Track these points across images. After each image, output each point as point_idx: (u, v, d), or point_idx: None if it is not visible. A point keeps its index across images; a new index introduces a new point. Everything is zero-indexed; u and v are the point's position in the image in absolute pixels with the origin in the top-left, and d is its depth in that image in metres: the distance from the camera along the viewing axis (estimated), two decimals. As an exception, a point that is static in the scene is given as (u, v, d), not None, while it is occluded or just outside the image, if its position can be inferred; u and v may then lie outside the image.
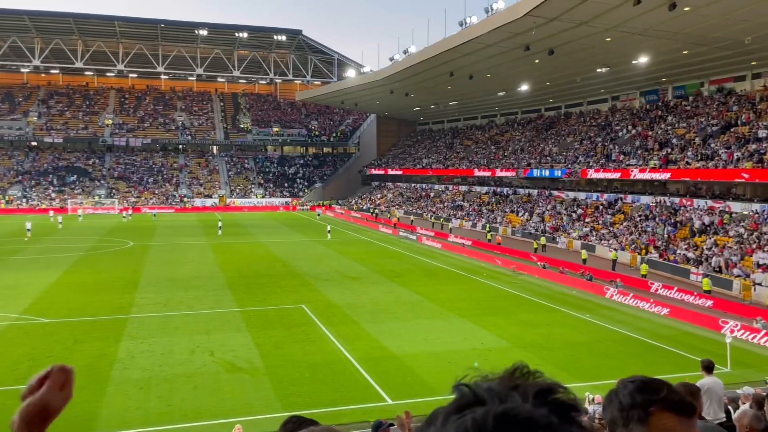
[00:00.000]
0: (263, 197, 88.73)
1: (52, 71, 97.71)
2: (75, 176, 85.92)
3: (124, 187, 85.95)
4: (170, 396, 16.88)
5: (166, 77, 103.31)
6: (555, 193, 55.08)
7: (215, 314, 25.98)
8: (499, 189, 64.19)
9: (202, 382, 17.87)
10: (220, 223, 57.11)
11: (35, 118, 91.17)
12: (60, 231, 55.42)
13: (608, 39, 38.17)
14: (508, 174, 60.81)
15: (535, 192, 58.03)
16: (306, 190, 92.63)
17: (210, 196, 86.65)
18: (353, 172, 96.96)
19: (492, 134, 73.89)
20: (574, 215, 48.77)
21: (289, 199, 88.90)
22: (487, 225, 54.30)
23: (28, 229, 47.02)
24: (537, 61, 45.70)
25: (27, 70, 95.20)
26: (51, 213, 67.13)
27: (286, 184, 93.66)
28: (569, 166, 51.77)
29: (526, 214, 53.76)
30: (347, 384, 17.94)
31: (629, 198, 46.43)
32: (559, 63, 45.71)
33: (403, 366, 19.53)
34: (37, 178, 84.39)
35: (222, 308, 27.13)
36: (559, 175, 52.46)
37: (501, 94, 62.98)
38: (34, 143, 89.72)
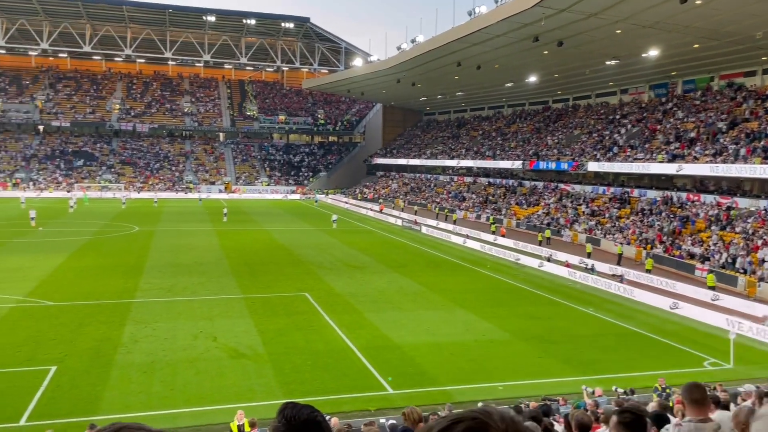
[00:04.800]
0: (268, 185, 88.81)
1: (60, 55, 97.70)
2: (82, 160, 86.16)
3: (131, 172, 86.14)
4: (173, 381, 16.96)
5: (174, 63, 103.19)
6: (561, 185, 54.87)
7: (219, 300, 26.06)
8: (504, 180, 64.02)
9: (204, 368, 17.94)
10: (225, 210, 57.18)
11: (42, 101, 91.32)
12: (69, 214, 55.58)
13: (618, 31, 37.86)
14: (514, 165, 60.58)
15: (540, 184, 57.82)
16: (311, 179, 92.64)
17: (214, 183, 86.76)
18: (358, 161, 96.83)
19: (498, 125, 73.58)
20: (580, 208, 48.60)
21: (294, 188, 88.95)
22: (491, 217, 54.18)
23: (32, 218, 46.79)
24: (546, 52, 45.40)
25: (35, 53, 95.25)
26: (22, 198, 63.52)
27: (291, 173, 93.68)
28: (576, 158, 51.52)
29: (543, 204, 53.52)
30: (349, 372, 17.99)
31: (636, 192, 46.21)
32: (568, 54, 45.40)
33: (405, 356, 19.57)
34: (44, 161, 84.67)
35: (225, 294, 27.21)
36: (566, 167, 52.19)
37: (509, 85, 62.65)
38: (41, 127, 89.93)
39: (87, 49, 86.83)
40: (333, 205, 77.36)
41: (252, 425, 12.60)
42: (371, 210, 67.31)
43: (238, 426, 12.74)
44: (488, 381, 17.70)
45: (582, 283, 32.39)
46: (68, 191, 75.96)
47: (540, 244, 42.17)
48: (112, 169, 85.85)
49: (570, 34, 39.68)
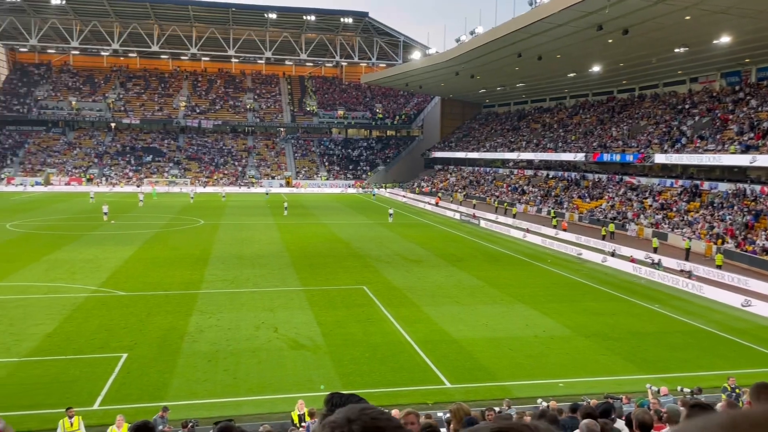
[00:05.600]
0: (327, 179, 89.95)
1: (130, 55, 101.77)
2: (151, 156, 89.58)
3: (196, 167, 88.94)
4: (236, 370, 17.48)
5: (237, 60, 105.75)
6: (626, 178, 53.24)
7: (280, 292, 26.64)
8: (566, 173, 62.63)
9: (266, 358, 18.39)
10: (285, 204, 58.31)
11: (114, 99, 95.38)
12: (139, 209, 57.94)
13: (687, 18, 36.32)
14: (577, 158, 59.13)
15: (604, 177, 56.26)
16: (369, 173, 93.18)
17: (274, 178, 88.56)
18: (416, 155, 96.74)
19: (560, 117, 71.96)
20: (646, 201, 47.03)
21: (352, 182, 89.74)
22: (552, 210, 53.12)
23: (105, 213, 49.05)
24: (610, 41, 44.05)
25: (107, 53, 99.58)
26: (91, 194, 65.93)
27: (350, 167, 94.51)
28: (642, 150, 49.85)
29: (607, 197, 52.13)
30: (406, 365, 18.07)
31: (706, 185, 44.35)
32: (634, 43, 43.91)
33: (463, 350, 19.48)
34: (115, 157, 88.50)
35: (286, 286, 27.78)
36: (631, 159, 50.57)
37: (571, 75, 61.15)
38: (112, 124, 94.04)
39: (155, 48, 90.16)
40: (390, 198, 77.67)
41: (311, 415, 12.86)
42: (429, 204, 67.26)
43: (299, 415, 13.03)
44: (548, 378, 17.42)
45: (647, 278, 31.38)
46: (138, 186, 79.23)
47: (603, 238, 41.10)
48: (179, 165, 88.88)
49: (636, 22, 38.35)
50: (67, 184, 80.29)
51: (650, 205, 46.09)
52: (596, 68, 55.32)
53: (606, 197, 51.94)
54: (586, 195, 54.75)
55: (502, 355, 19.19)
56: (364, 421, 1.18)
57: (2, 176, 79.97)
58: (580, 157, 57.92)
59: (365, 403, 1.71)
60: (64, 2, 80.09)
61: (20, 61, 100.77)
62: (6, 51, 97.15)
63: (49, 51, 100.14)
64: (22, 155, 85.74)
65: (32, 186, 78.09)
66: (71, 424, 12.44)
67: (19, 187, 77.32)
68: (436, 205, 65.62)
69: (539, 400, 14.31)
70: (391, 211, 55.54)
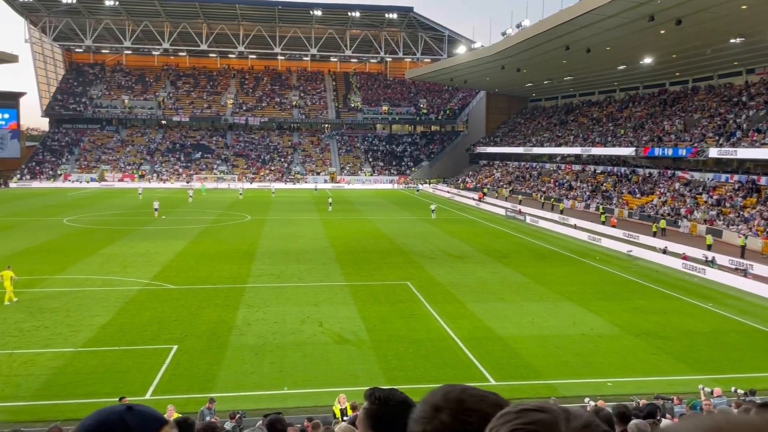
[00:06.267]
0: (371, 175, 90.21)
1: (180, 54, 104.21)
2: (199, 153, 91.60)
3: (243, 163, 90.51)
4: (282, 363, 17.75)
5: (283, 58, 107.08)
6: (678, 173, 51.65)
7: (324, 287, 26.89)
8: (615, 168, 61.18)
9: (311, 352, 18.61)
10: (330, 200, 58.77)
11: (164, 98, 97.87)
12: (188, 204, 59.37)
13: (744, 7, 34.95)
14: (627, 153, 57.66)
15: (655, 172, 54.71)
16: (413, 169, 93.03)
17: (319, 174, 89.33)
18: (461, 150, 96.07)
19: (610, 110, 70.28)
20: (700, 197, 45.53)
21: (396, 177, 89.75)
22: (600, 206, 51.98)
23: (156, 209, 50.31)
24: (662, 32, 42.77)
25: (157, 53, 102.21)
26: (140, 190, 67.73)
27: (393, 162, 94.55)
28: (695, 144, 48.26)
29: (658, 193, 50.76)
30: (450, 362, 18.00)
31: (763, 179, 42.65)
32: (687, 34, 42.50)
33: (508, 347, 19.29)
34: (166, 154, 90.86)
35: (331, 281, 28.01)
36: (684, 154, 49.00)
37: (621, 67, 59.62)
38: (163, 122, 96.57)
39: (204, 47, 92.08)
40: (434, 194, 77.38)
41: (354, 408, 12.94)
42: (473, 199, 66.76)
43: (341, 409, 13.14)
44: (596, 377, 17.11)
45: (700, 276, 30.41)
46: (187, 182, 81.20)
47: (654, 235, 39.99)
48: (227, 162, 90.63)
49: (689, 12, 37.12)
50: (121, 180, 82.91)
51: (705, 201, 44.63)
52: (647, 60, 53.81)
53: (657, 193, 50.53)
54: (637, 190, 53.38)
55: (549, 353, 18.92)
56: (452, 408, 1.06)
57: (59, 173, 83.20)
58: (630, 151, 56.47)
59: (449, 386, 1.39)
60: (117, 3, 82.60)
61: (76, 61, 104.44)
62: (62, 51, 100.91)
63: (103, 51, 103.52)
64: (77, 152, 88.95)
65: (87, 182, 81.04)
66: (124, 413, 12.83)
67: (75, 183, 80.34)
68: (479, 200, 65.06)
69: (587, 400, 14.07)
70: (433, 207, 55.07)
